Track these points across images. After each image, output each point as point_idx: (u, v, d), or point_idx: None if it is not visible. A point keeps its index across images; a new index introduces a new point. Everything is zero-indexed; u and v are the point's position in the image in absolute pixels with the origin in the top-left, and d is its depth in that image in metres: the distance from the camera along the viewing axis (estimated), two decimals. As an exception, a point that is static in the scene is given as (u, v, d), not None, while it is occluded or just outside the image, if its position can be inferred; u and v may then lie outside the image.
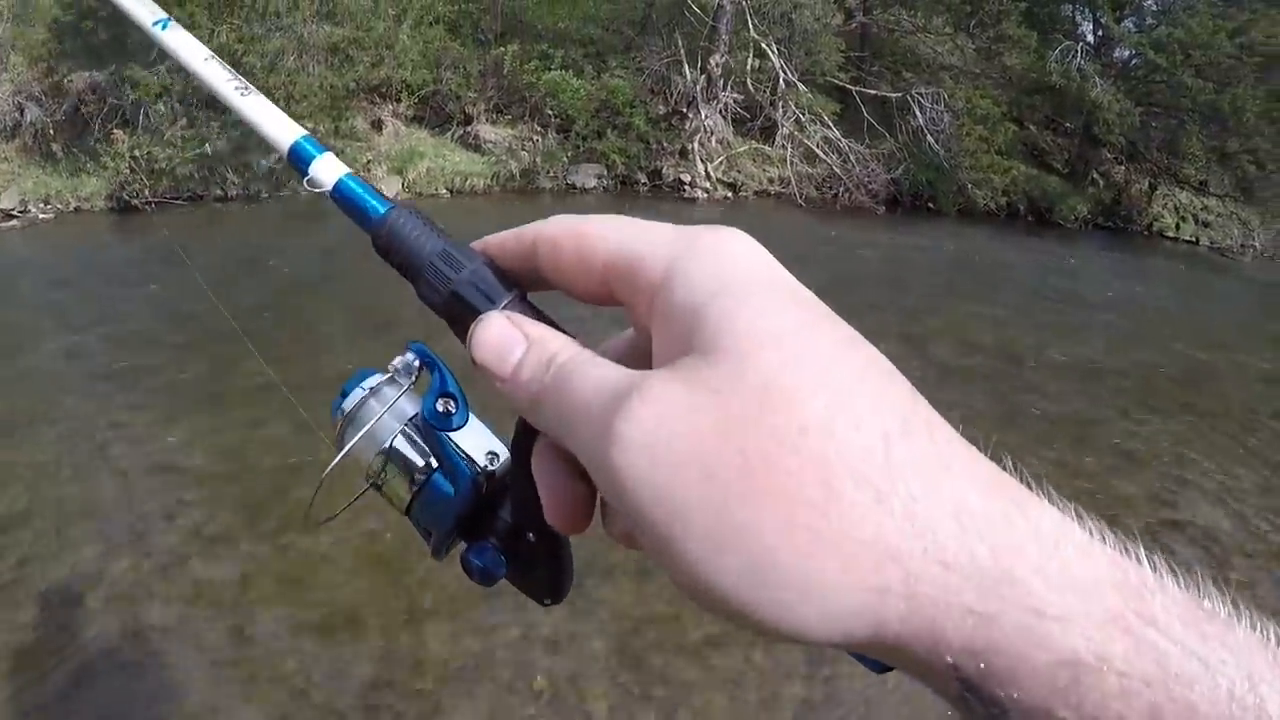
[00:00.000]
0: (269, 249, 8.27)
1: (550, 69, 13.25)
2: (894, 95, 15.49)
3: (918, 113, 15.18)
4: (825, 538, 0.27)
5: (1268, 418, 7.74)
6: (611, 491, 0.31)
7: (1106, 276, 14.14)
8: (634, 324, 0.38)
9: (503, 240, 0.42)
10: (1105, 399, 7.53)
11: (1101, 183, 18.58)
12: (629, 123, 13.56)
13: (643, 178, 13.92)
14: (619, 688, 3.36)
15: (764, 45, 14.42)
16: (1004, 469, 0.30)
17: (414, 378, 0.49)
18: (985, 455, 0.31)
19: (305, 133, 0.53)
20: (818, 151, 14.78)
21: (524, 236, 0.41)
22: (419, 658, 3.47)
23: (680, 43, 14.19)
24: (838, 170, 14.85)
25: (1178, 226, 19.25)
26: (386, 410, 0.48)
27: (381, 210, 0.46)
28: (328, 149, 0.51)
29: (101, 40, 10.86)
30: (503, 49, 13.40)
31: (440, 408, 0.45)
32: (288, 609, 3.67)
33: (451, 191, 12.10)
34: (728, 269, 0.33)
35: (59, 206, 10.11)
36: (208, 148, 10.46)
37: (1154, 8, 18.52)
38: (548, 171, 13.00)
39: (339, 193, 0.49)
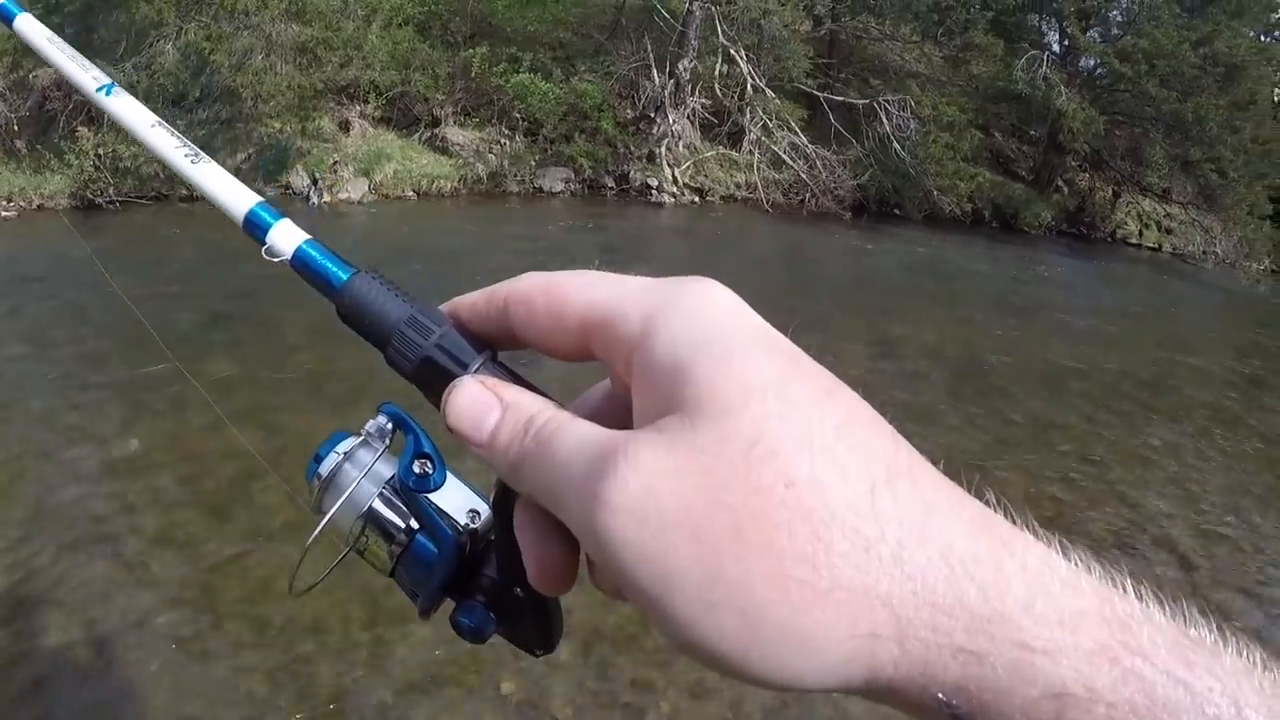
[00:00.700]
0: (231, 250, 8.39)
1: (519, 72, 13.43)
2: (861, 102, 15.83)
3: (884, 119, 15.52)
4: (816, 588, 0.28)
5: (1229, 420, 8.05)
6: (600, 555, 0.31)
7: (1070, 282, 14.51)
8: (612, 378, 0.39)
9: (473, 301, 0.42)
10: (1069, 402, 7.74)
11: (1066, 190, 19.02)
12: (597, 127, 13.81)
13: (610, 182, 14.18)
14: (586, 692, 3.40)
15: (732, 51, 14.72)
16: (989, 505, 0.31)
17: (388, 440, 0.49)
18: (967, 487, 0.32)
19: (259, 199, 0.52)
20: (784, 157, 15.11)
21: (495, 296, 0.41)
22: (385, 663, 3.49)
23: (649, 47, 14.48)
24: (804, 176, 15.20)
25: (1141, 233, 19.71)
26: (364, 475, 0.48)
27: (344, 277, 0.46)
28: (283, 215, 0.51)
29: (68, 36, 10.87)
30: (472, 51, 13.56)
31: (417, 469, 0.45)
32: (250, 614, 3.67)
33: (418, 194, 12.22)
34: (706, 323, 0.33)
35: (22, 204, 10.17)
36: None
37: (1119, 18, 19.01)
38: (515, 175, 13.21)
39: (298, 261, 0.48)
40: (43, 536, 4.05)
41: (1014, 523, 0.30)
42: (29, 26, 0.81)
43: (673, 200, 14.29)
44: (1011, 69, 16.98)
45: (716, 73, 14.89)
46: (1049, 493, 5.80)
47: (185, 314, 6.90)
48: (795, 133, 15.21)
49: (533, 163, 13.44)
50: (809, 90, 15.85)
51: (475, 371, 0.41)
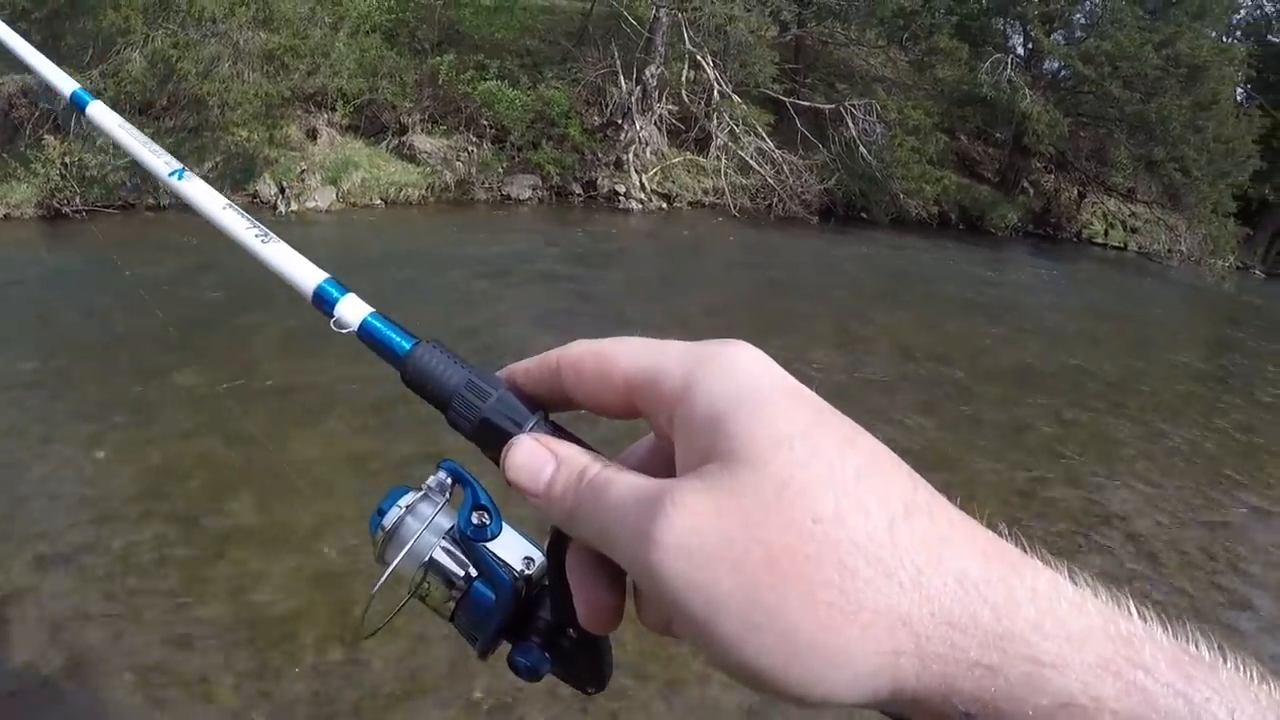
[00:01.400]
0: (202, 260, 8.52)
1: (486, 79, 13.64)
2: (827, 107, 16.19)
3: (850, 124, 15.87)
4: (844, 611, 0.32)
5: (1195, 416, 8.33)
6: (653, 589, 0.35)
7: (1037, 282, 14.91)
8: (656, 432, 0.42)
9: (526, 367, 0.46)
10: (1038, 401, 7.96)
11: (1031, 191, 19.42)
12: (564, 133, 14.05)
13: (578, 189, 14.42)
14: (558, 699, 3.46)
15: (699, 57, 15.01)
16: (1002, 536, 0.35)
17: (448, 495, 0.53)
18: (982, 522, 0.36)
19: (327, 276, 0.57)
20: (751, 162, 15.43)
21: (547, 361, 0.45)
22: (357, 673, 3.53)
23: (616, 54, 14.74)
24: (771, 181, 15.51)
25: (1106, 233, 20.16)
26: (425, 527, 0.51)
27: (407, 346, 0.51)
28: (349, 290, 0.55)
29: (34, 43, 10.95)
30: (439, 59, 13.76)
31: (475, 520, 0.49)
32: (223, 627, 3.70)
33: (386, 202, 12.37)
34: (740, 380, 0.37)
35: (-12, 214, 10.22)
36: None
37: (1083, 21, 19.49)
38: (483, 182, 13.40)
39: (365, 332, 0.53)
40: (8, 550, 4.04)
41: (1025, 551, 0.34)
42: (101, 114, 0.87)
43: (640, 206, 14.56)
44: (976, 72, 17.40)
45: (683, 79, 15.18)
46: (1019, 490, 5.99)
47: (152, 322, 7.01)
48: (762, 138, 15.51)
49: (500, 170, 13.64)
50: (775, 95, 16.16)
51: (530, 430, 0.45)
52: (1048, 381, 8.69)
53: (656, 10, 14.83)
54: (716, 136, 15.29)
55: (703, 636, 0.34)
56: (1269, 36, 21.52)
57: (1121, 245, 20.14)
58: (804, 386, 0.38)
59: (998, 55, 17.77)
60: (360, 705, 3.36)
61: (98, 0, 11.26)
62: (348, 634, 3.70)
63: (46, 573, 3.93)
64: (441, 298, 8.36)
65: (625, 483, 0.39)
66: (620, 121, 14.74)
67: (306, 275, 0.57)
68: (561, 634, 0.50)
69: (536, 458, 0.43)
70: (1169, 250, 19.87)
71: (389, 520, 0.52)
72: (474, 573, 0.51)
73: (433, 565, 0.52)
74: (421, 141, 13.35)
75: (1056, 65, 18.73)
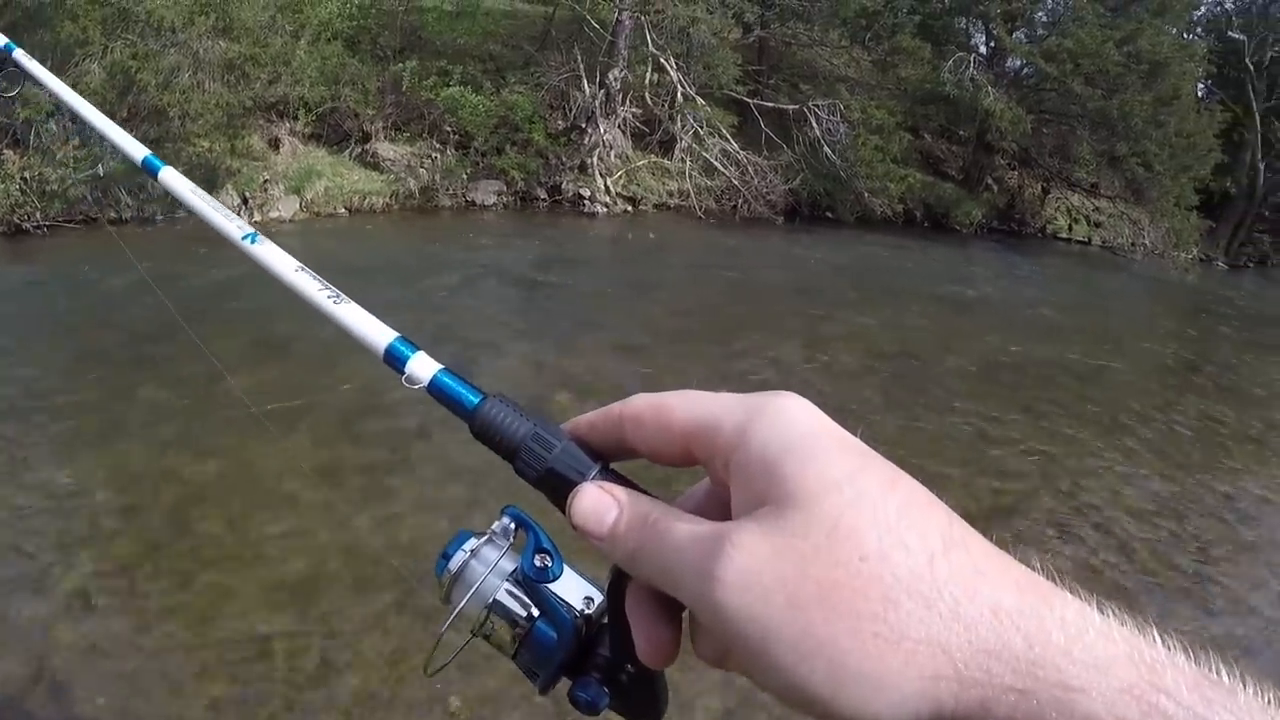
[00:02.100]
0: (166, 272, 8.62)
1: (449, 85, 13.78)
2: (791, 107, 16.49)
3: (814, 124, 16.17)
4: (888, 640, 0.35)
5: (1160, 407, 8.60)
6: (713, 622, 0.39)
7: (1003, 279, 15.22)
8: (712, 478, 0.46)
9: (591, 420, 0.50)
10: (1006, 395, 8.21)
11: (996, 188, 19.78)
12: (528, 138, 14.23)
13: (542, 193, 14.61)
14: (534, 706, 3.53)
15: (662, 60, 15.26)
16: (1035, 569, 0.38)
17: (511, 538, 0.56)
18: (1010, 552, 0.39)
19: (398, 335, 0.61)
20: (716, 164, 15.70)
21: (610, 414, 0.49)
22: (331, 686, 3.57)
23: (579, 58, 14.92)
24: (736, 182, 15.79)
25: (1071, 228, 20.59)
26: (491, 571, 0.55)
27: (475, 400, 0.55)
28: (419, 348, 0.59)
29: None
30: (401, 65, 13.87)
31: (538, 563, 0.53)
32: (195, 644, 3.73)
33: (350, 210, 12.46)
34: (790, 429, 0.41)
35: (-53, 230, 10.23)
36: (100, 168, 10.58)
37: (1044, 19, 19.87)
38: (447, 189, 13.55)
39: (435, 387, 0.57)
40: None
41: (1055, 583, 0.37)
42: (173, 179, 0.92)
43: (606, 210, 14.78)
44: (939, 71, 17.73)
45: (647, 82, 15.43)
46: (989, 485, 6.15)
47: (114, 336, 7.07)
48: (726, 139, 15.79)
49: (464, 176, 13.80)
50: (739, 97, 16.43)
51: (593, 478, 0.49)
52: (1015, 376, 8.93)
53: (619, 13, 15.03)
54: (681, 139, 15.55)
55: (759, 665, 0.38)
56: (1229, 33, 21.97)
57: (1086, 240, 20.57)
58: (848, 434, 0.42)
59: (960, 54, 18.13)
60: (336, 718, 3.42)
61: (55, 11, 11.31)
62: (322, 646, 3.77)
63: (14, 594, 3.95)
64: (408, 306, 8.51)
65: (686, 525, 0.43)
66: (584, 125, 14.94)
67: (378, 335, 0.62)
68: (619, 670, 0.52)
69: (601, 504, 0.47)
70: (1133, 244, 20.35)
71: (454, 564, 0.56)
72: (536, 612, 0.54)
73: (497, 606, 0.55)
74: (385, 149, 13.48)
75: (1019, 63, 19.07)
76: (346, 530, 4.67)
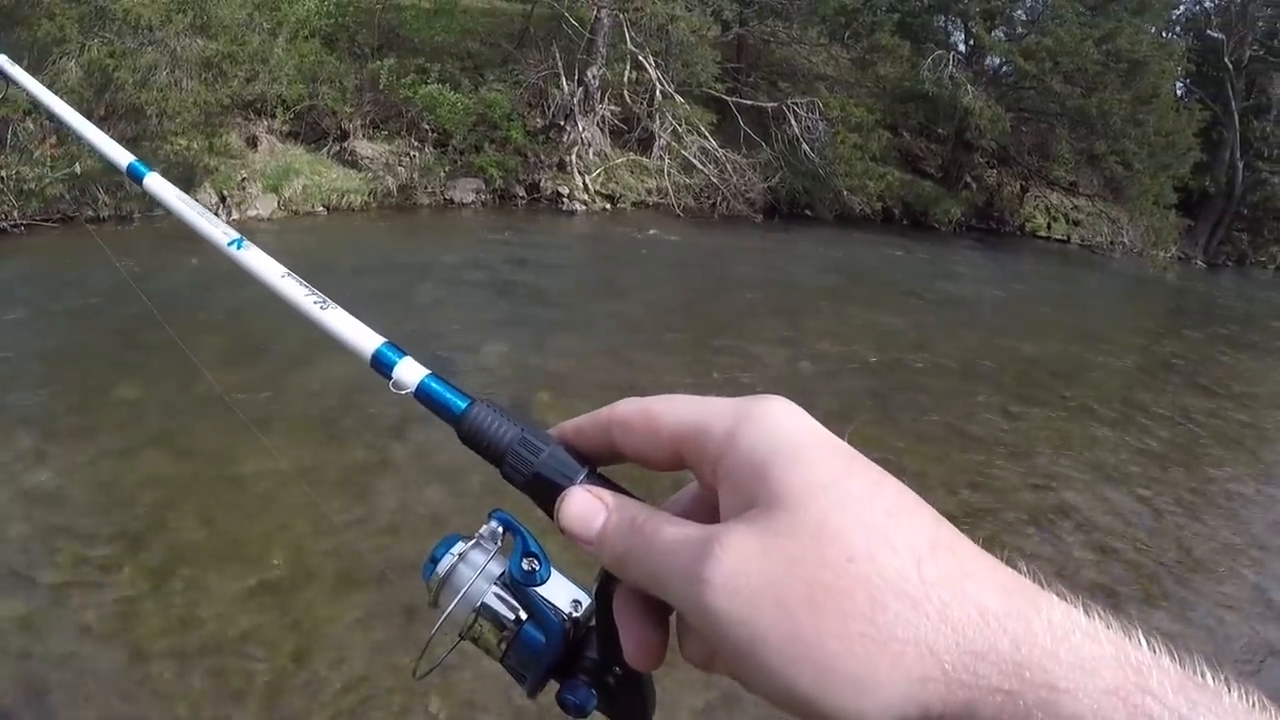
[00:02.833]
0: (142, 270, 8.74)
1: (427, 83, 13.96)
2: (770, 105, 16.78)
3: (793, 122, 16.46)
4: (875, 640, 0.36)
5: (1139, 405, 8.80)
6: (701, 624, 0.40)
7: (981, 276, 15.48)
8: (700, 481, 0.47)
9: (578, 424, 0.51)
10: (984, 394, 8.35)
11: (974, 186, 20.09)
12: (507, 136, 14.43)
13: (521, 191, 14.83)
14: (514, 707, 3.54)
15: (640, 57, 15.51)
16: (1021, 573, 0.38)
17: (499, 542, 0.57)
18: (996, 554, 0.39)
19: (384, 340, 0.61)
20: (695, 162, 15.96)
21: (598, 419, 0.50)
22: (310, 688, 3.57)
23: (558, 56, 15.15)
24: (715, 180, 16.06)
25: (1049, 226, 20.93)
26: (479, 574, 0.55)
27: (462, 405, 0.56)
28: (406, 353, 0.60)
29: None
30: (379, 63, 14.04)
31: (526, 566, 0.53)
32: (174, 646, 3.73)
33: (328, 209, 12.60)
34: (778, 433, 0.42)
35: (-77, 229, 10.31)
36: (78, 167, 10.65)
37: (1024, 17, 20.21)
38: (425, 187, 13.72)
39: (422, 392, 0.58)
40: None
41: (1041, 587, 0.38)
42: (158, 185, 0.92)
43: (584, 208, 15.02)
44: (918, 69, 18.06)
45: (625, 79, 15.66)
46: (967, 482, 6.23)
47: (93, 335, 7.14)
48: (705, 137, 16.06)
49: (443, 174, 13.98)
50: (718, 95, 16.70)
51: (580, 482, 0.49)
52: (994, 373, 9.09)
53: (597, 11, 15.24)
54: (659, 136, 15.80)
55: (747, 666, 0.39)
56: (1208, 31, 22.32)
57: (1064, 238, 20.93)
58: (835, 437, 0.42)
59: (939, 52, 18.45)
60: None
61: (32, 9, 11.44)
62: (302, 648, 3.78)
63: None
64: (386, 305, 8.64)
65: (674, 528, 0.43)
66: (563, 123, 15.16)
67: (365, 340, 0.63)
68: (607, 672, 0.53)
69: (588, 507, 0.47)
70: (1111, 242, 20.73)
71: (442, 567, 0.56)
72: (524, 616, 0.55)
73: (485, 609, 0.55)
74: (363, 147, 13.64)
75: (998, 61, 19.39)
76: (326, 529, 4.73)
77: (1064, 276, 17.46)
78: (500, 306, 9.33)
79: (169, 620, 3.89)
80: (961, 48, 19.74)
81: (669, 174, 15.65)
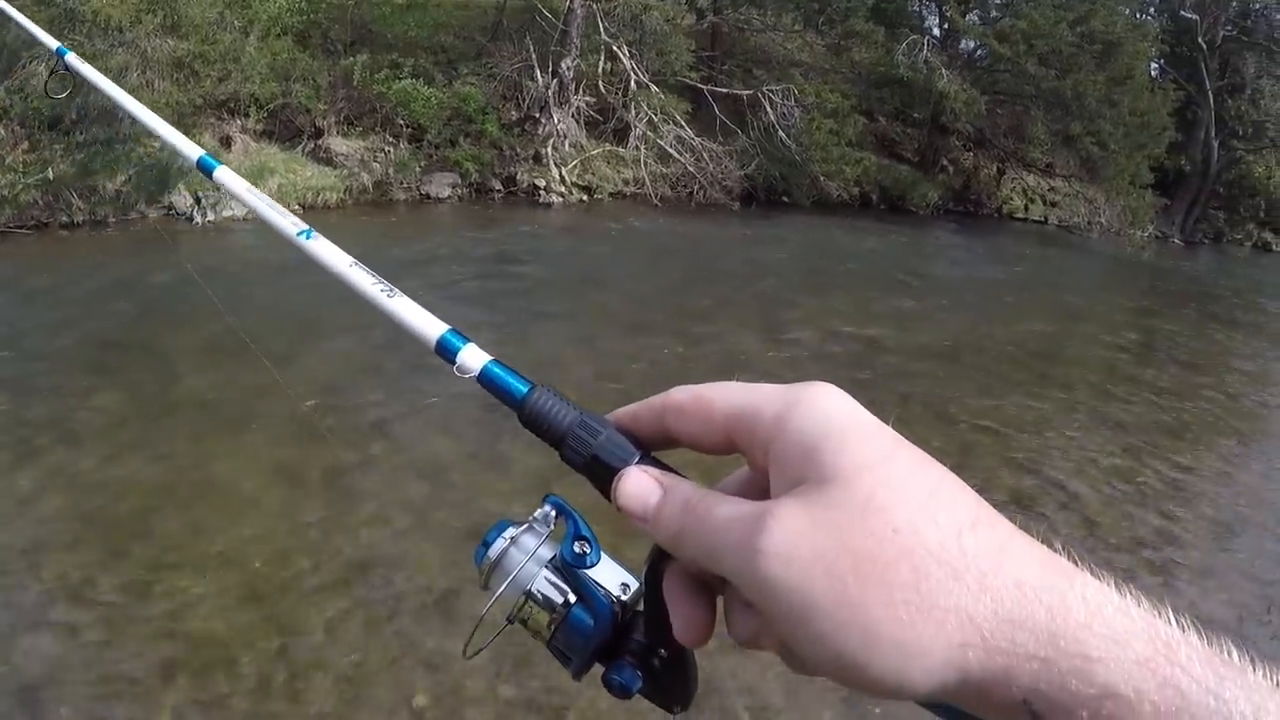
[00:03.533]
0: (113, 279, 8.81)
1: (401, 78, 14.01)
2: (745, 93, 16.88)
3: (769, 109, 16.57)
4: (918, 608, 0.38)
5: (1119, 383, 8.95)
6: (756, 593, 0.43)
7: (960, 259, 15.68)
8: (751, 464, 0.50)
9: (633, 411, 0.54)
10: (964, 376, 8.47)
11: (951, 169, 20.28)
12: (482, 130, 14.50)
13: (497, 184, 14.88)
14: (501, 700, 3.58)
15: (615, 48, 15.60)
16: (1056, 552, 0.41)
17: (551, 526, 0.59)
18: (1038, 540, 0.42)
19: (449, 327, 0.65)
20: (671, 151, 16.05)
21: (653, 405, 0.53)
22: (295, 688, 3.61)
23: (531, 48, 15.19)
24: (692, 169, 16.16)
25: (1027, 207, 21.14)
26: (530, 558, 0.57)
27: (524, 390, 0.59)
28: (469, 340, 0.64)
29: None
30: (352, 59, 14.07)
31: (577, 549, 0.56)
32: (158, 652, 3.75)
33: (304, 207, 12.54)
34: (827, 416, 0.44)
35: (-103, 235, 10.31)
36: (50, 173, 10.71)
37: (998, 1, 20.17)
38: (401, 182, 13.76)
39: (485, 377, 0.61)
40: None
41: (1076, 564, 0.40)
42: (228, 178, 0.95)
43: (561, 200, 15.08)
44: (893, 54, 18.21)
45: (600, 70, 15.75)
46: (951, 465, 6.33)
47: (68, 342, 7.16)
48: (681, 126, 16.16)
49: (418, 169, 14.03)
50: (693, 83, 16.83)
51: (636, 464, 0.52)
52: (973, 356, 9.22)
53: (571, 2, 15.30)
54: (635, 126, 15.87)
55: (797, 633, 0.41)
56: (1181, 12, 22.51)
57: (1042, 219, 21.14)
58: (879, 421, 0.45)
59: (914, 36, 18.59)
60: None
61: (-1, 13, 11.43)
62: (286, 648, 3.80)
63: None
64: (365, 303, 8.67)
65: (727, 505, 0.46)
66: (538, 115, 15.22)
67: (430, 327, 0.66)
68: (653, 654, 0.55)
69: (644, 487, 0.50)
70: (1089, 222, 20.94)
71: (494, 551, 0.58)
72: (573, 598, 0.56)
73: (534, 592, 0.57)
74: (337, 144, 13.66)
75: (972, 45, 19.60)
76: (309, 529, 4.78)
77: (1042, 257, 17.64)
78: (477, 300, 9.37)
79: (152, 625, 3.93)
80: (936, 32, 19.92)
81: (645, 164, 15.73)
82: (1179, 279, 17.89)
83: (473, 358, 0.63)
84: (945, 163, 20.22)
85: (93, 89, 1.39)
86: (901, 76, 18.06)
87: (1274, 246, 24.07)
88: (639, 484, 0.51)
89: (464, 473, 5.60)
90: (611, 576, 0.57)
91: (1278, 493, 6.87)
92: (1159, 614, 0.38)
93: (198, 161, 1.04)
